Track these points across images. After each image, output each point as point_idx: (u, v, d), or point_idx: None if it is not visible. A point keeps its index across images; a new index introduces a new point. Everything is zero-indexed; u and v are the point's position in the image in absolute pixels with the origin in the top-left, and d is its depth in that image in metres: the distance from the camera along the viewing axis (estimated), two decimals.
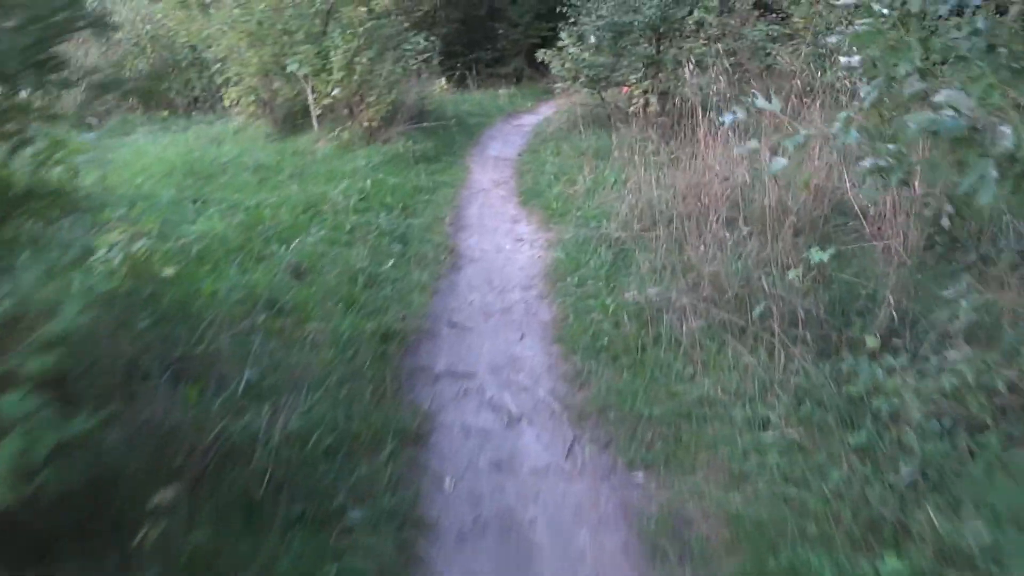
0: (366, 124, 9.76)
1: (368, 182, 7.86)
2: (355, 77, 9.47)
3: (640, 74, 9.88)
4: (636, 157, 7.73)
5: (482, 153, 10.90)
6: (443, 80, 15.70)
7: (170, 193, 7.32)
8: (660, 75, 10.04)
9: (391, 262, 5.83)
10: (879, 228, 5.53)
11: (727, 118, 2.91)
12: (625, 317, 4.70)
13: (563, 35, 11.07)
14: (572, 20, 11.11)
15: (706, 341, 4.25)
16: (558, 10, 15.24)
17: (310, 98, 10.11)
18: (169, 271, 4.30)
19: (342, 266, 5.52)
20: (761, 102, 2.76)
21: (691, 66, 7.27)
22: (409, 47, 10.98)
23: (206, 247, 5.60)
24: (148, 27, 14.29)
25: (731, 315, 4.30)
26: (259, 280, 5.05)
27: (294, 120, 10.76)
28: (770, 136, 5.40)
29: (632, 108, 9.86)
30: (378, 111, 9.62)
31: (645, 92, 9.80)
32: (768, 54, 12.41)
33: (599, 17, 10.34)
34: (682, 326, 4.41)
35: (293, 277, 5.29)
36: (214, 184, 7.99)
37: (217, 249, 5.60)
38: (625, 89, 10.03)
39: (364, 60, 9.46)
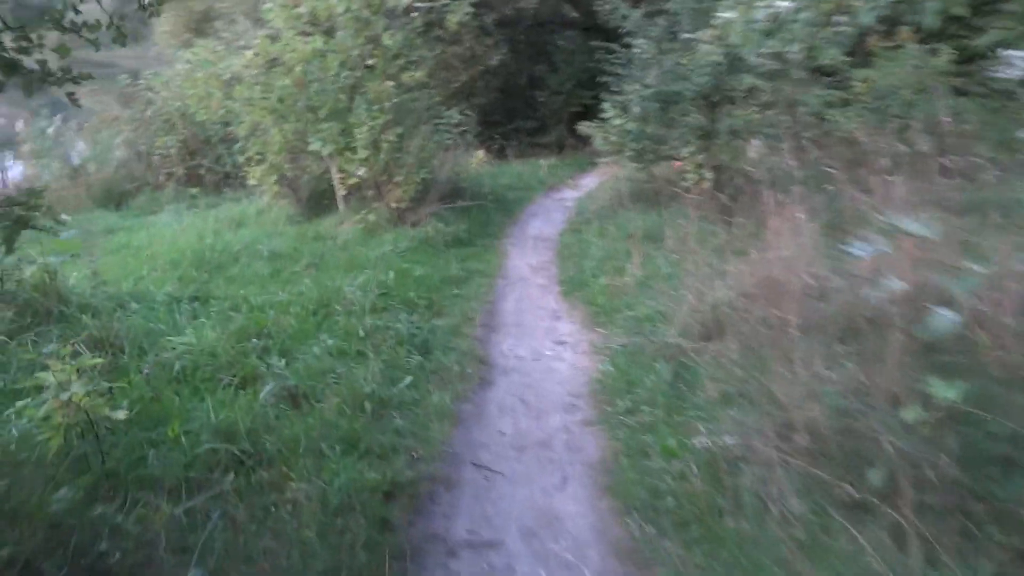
0: (394, 205, 9.00)
1: (391, 274, 7.02)
2: (381, 156, 8.74)
3: (693, 147, 9.00)
4: (693, 244, 6.81)
5: (521, 232, 10.06)
6: (481, 152, 15.04)
7: (170, 289, 6.54)
8: (714, 148, 9.16)
9: (407, 380, 4.90)
10: (996, 336, 4.49)
11: (862, 249, 1.97)
12: (693, 467, 3.69)
13: (606, 106, 10.28)
14: (615, 89, 10.34)
15: (805, 512, 3.22)
16: (600, 79, 14.55)
17: (335, 178, 9.41)
18: (120, 415, 3.43)
19: (348, 388, 4.60)
20: (912, 225, 1.82)
21: (757, 140, 6.37)
22: (442, 121, 10.28)
23: (189, 364, 4.75)
24: (178, 104, 13.90)
25: (836, 478, 3.27)
26: (243, 411, 4.15)
27: (319, 200, 10.06)
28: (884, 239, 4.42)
29: (684, 184, 8.96)
30: (407, 191, 8.86)
31: (699, 167, 8.91)
32: (825, 120, 11.51)
33: (645, 86, 9.55)
34: (770, 488, 3.39)
35: (286, 405, 4.40)
36: (222, 276, 7.22)
37: (202, 367, 4.74)
38: (677, 164, 9.16)
39: (391, 137, 8.75)
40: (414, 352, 5.36)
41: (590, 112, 20.32)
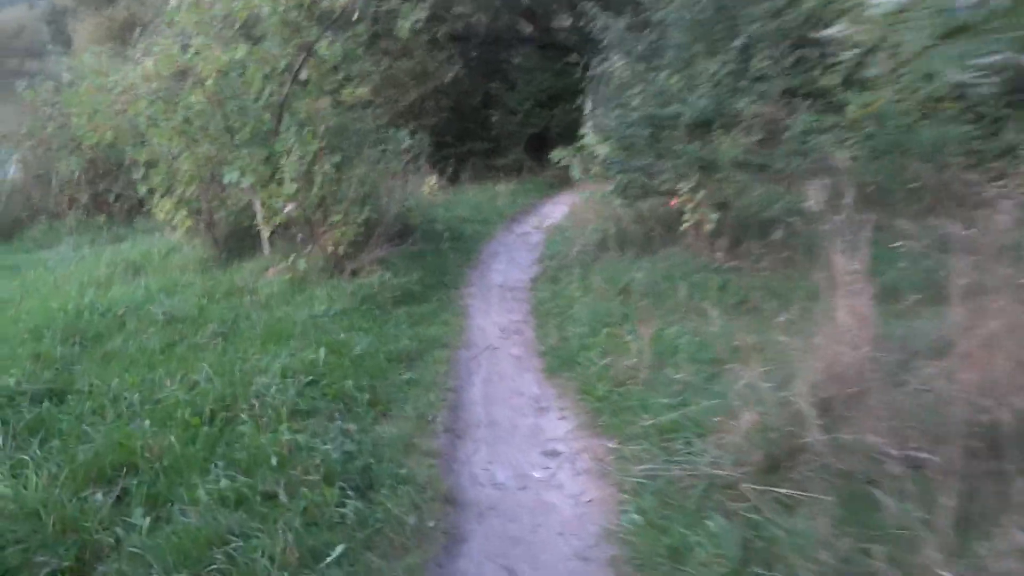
0: (330, 250, 7.31)
1: (322, 351, 5.33)
2: (315, 190, 7.06)
3: (693, 181, 7.49)
4: (713, 310, 5.33)
5: (483, 280, 8.45)
6: (433, 178, 13.41)
7: (12, 382, 4.74)
8: (711, 182, 7.70)
9: (338, 551, 3.23)
10: None
11: None
12: None
13: (586, 131, 8.76)
14: (591, 110, 8.79)
15: None
16: (560, 99, 12.87)
17: (259, 215, 7.69)
18: None
19: None
20: None
21: (822, 182, 4.83)
22: (389, 146, 8.64)
23: None
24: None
25: None
26: None
27: (240, 240, 8.32)
28: None
29: (684, 225, 7.45)
30: (346, 233, 7.18)
31: (699, 205, 7.40)
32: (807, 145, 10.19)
33: (631, 109, 8.04)
34: None
35: None
36: (97, 352, 5.44)
37: (13, 544, 3.01)
38: (673, 201, 7.65)
39: (327, 167, 7.07)
40: (349, 492, 3.67)
41: (550, 133, 19.00)
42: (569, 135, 15.63)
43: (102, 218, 12.46)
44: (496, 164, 18.01)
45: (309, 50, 7.46)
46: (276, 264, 7.48)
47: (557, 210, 13.74)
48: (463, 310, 7.22)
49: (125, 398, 4.52)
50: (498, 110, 18.32)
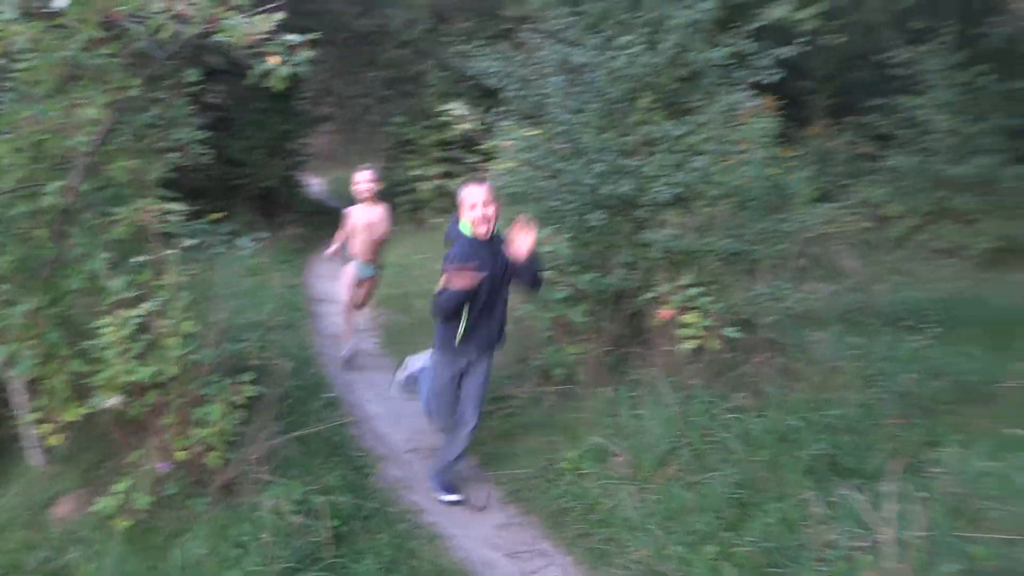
0: (182, 455, 4.10)
1: None
2: (171, 366, 3.86)
3: (692, 278, 5.38)
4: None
5: (408, 469, 5.60)
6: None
7: None
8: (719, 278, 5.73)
9: None
10: None
11: None
12: None
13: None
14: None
15: None
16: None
17: (24, 411, 4.18)
18: None
19: None
20: None
21: None
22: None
23: None
24: None
25: None
26: None
27: None
28: None
29: (684, 346, 5.30)
30: (222, 429, 4.06)
31: (703, 314, 5.31)
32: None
33: (587, 186, 5.72)
34: None
35: None
36: None
37: None
38: (666, 313, 5.47)
39: (185, 322, 3.91)
40: None
41: (276, 186, 15.95)
42: (294, 185, 12.40)
43: None
44: (223, 230, 14.47)
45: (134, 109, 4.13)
46: (66, 489, 4.09)
47: (337, 289, 10.92)
48: (439, 538, 4.45)
49: None
50: (220, 162, 14.97)
